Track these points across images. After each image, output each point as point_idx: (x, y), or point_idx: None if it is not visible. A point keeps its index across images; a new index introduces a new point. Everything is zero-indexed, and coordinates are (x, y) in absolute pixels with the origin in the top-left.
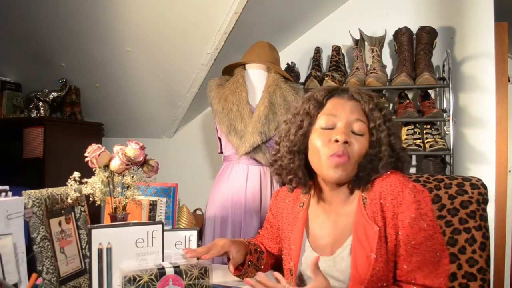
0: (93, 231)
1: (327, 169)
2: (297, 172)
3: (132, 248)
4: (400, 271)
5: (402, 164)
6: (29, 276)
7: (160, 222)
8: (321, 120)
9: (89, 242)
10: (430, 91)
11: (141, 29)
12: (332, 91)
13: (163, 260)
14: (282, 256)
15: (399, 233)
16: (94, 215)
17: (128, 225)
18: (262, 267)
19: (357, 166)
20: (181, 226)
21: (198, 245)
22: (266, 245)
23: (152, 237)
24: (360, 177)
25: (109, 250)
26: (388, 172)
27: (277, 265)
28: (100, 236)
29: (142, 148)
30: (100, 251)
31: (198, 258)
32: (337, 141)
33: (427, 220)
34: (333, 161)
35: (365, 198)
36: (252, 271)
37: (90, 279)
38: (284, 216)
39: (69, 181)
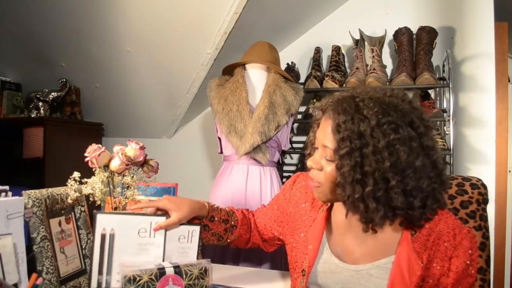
0: (98, 216)
1: None
2: None
3: (134, 237)
4: None
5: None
6: (29, 276)
7: (163, 215)
8: None
9: (93, 227)
10: (430, 91)
11: (141, 29)
12: (324, 109)
13: (164, 253)
14: (290, 251)
15: (449, 276)
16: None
17: (133, 214)
18: (229, 241)
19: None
20: None
21: (199, 244)
22: (260, 223)
23: None
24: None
25: (112, 236)
26: (441, 211)
27: (255, 248)
28: (105, 222)
29: (142, 148)
30: (103, 236)
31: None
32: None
33: (475, 267)
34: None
35: (414, 231)
36: (209, 237)
37: (90, 263)
38: (300, 207)
39: (69, 181)
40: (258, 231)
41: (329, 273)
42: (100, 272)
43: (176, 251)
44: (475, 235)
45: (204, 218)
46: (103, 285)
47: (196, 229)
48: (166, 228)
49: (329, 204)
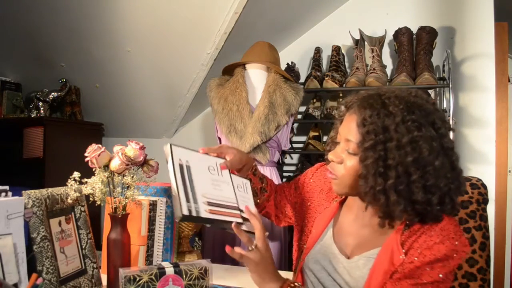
0: (174, 147)
1: None
2: None
3: (205, 172)
4: None
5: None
6: (29, 276)
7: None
8: None
9: (169, 157)
10: (430, 91)
11: (141, 29)
12: (349, 105)
13: (234, 191)
14: (297, 232)
15: (413, 262)
16: (94, 215)
17: (198, 152)
18: (258, 201)
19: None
20: (181, 227)
21: (198, 244)
22: (277, 197)
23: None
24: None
25: (188, 167)
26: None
27: (268, 217)
28: (179, 154)
29: (142, 148)
30: (181, 166)
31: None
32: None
33: (447, 270)
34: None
35: (407, 226)
36: None
37: (177, 191)
38: (315, 194)
39: (69, 181)
40: (275, 204)
41: (328, 261)
42: (187, 200)
43: (240, 198)
44: (467, 245)
45: (249, 170)
46: (193, 212)
47: (248, 182)
48: (230, 168)
49: (343, 197)
